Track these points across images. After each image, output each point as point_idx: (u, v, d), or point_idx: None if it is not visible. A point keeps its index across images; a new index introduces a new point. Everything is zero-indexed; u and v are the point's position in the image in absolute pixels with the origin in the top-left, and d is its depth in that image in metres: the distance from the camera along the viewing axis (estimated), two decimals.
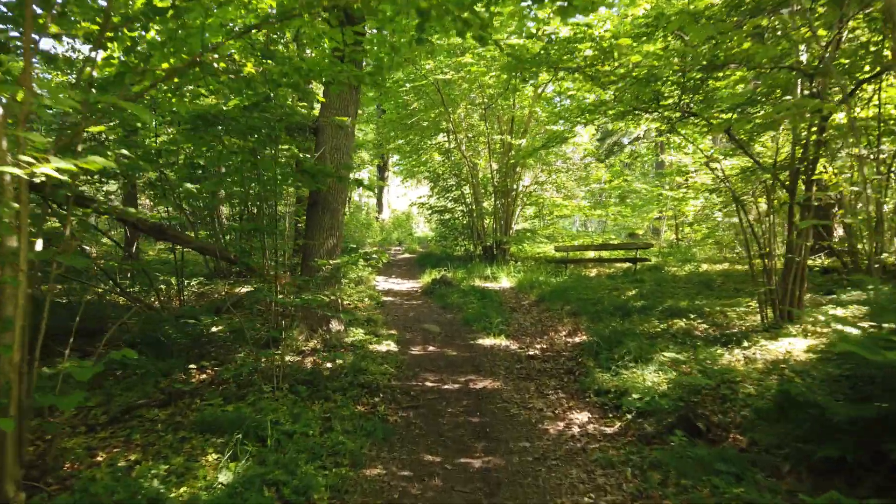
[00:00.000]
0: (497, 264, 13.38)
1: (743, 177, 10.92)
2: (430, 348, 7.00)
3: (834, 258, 9.31)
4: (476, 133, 15.74)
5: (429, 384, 5.53)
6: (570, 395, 5.04)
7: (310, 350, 6.44)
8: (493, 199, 15.63)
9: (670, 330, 6.68)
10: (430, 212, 15.92)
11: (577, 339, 7.14)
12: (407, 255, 18.40)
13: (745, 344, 5.66)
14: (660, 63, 6.66)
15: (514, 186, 14.84)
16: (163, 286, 8.71)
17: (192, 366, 5.64)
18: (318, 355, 6.36)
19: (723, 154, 15.40)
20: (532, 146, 12.63)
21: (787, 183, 6.35)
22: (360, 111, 18.83)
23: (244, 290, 9.20)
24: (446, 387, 5.45)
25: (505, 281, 12.07)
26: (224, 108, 5.82)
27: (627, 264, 12.91)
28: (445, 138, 15.44)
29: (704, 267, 12.27)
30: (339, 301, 7.02)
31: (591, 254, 14.30)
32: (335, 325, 6.83)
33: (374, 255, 10.41)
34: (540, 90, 14.19)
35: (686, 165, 15.58)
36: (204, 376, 5.56)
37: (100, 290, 7.66)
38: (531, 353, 6.73)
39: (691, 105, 7.12)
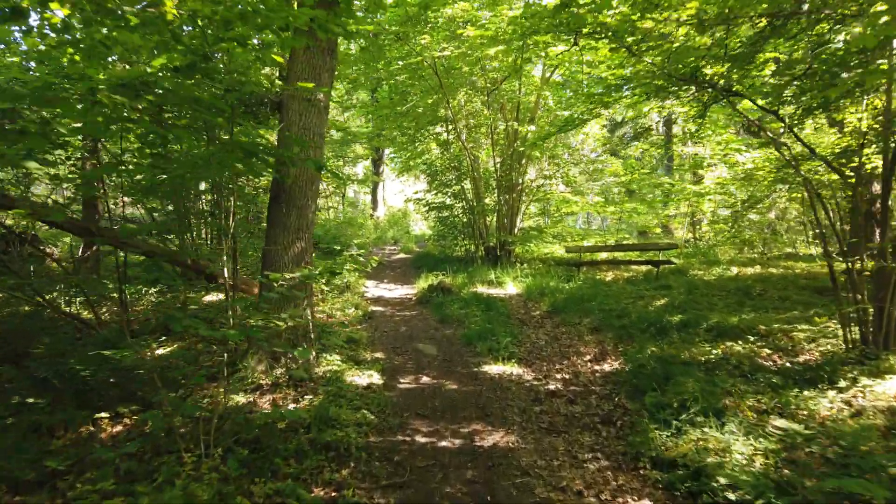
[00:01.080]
0: (501, 267, 11.97)
1: (775, 170, 9.52)
2: (424, 379, 5.59)
3: None
4: (477, 122, 14.30)
5: (420, 439, 4.12)
6: (616, 465, 3.63)
7: (269, 385, 5.04)
8: (496, 195, 14.21)
9: (726, 356, 5.28)
10: (427, 208, 14.50)
11: (607, 367, 5.74)
12: (402, 256, 16.98)
13: (841, 383, 4.26)
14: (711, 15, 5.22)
15: (520, 181, 13.41)
16: (115, 296, 7.34)
17: (103, 414, 4.23)
18: (280, 390, 4.96)
19: (745, 145, 14.02)
20: (544, 131, 11.16)
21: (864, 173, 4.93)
22: (352, 100, 17.35)
23: (212, 298, 7.80)
24: (443, 444, 4.04)
25: (511, 286, 10.66)
26: (149, 71, 4.39)
27: (646, 267, 11.51)
28: (443, 129, 14.01)
29: (734, 270, 10.86)
30: (310, 318, 5.61)
31: (603, 255, 12.90)
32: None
33: (364, 258, 9.03)
34: (549, 75, 12.77)
35: (704, 158, 14.19)
36: (120, 428, 4.16)
37: (31, 306, 6.25)
38: (551, 386, 5.33)
39: (732, 82, 5.71)
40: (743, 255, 13.28)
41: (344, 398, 4.78)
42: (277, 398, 4.83)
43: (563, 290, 9.83)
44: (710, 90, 6.05)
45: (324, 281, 8.95)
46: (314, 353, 5.53)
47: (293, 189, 5.40)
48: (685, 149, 16.66)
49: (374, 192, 23.21)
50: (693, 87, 6.31)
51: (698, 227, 17.19)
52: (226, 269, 5.83)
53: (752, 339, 5.65)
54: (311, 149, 5.50)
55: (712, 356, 5.34)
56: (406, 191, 15.30)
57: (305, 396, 4.83)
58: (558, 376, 5.63)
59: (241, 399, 4.64)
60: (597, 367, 5.77)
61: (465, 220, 14.44)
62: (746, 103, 6.05)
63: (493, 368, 5.93)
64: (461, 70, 11.96)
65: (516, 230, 13.45)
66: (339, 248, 15.24)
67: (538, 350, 6.67)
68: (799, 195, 11.28)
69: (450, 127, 13.80)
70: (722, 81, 5.78)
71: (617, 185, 13.49)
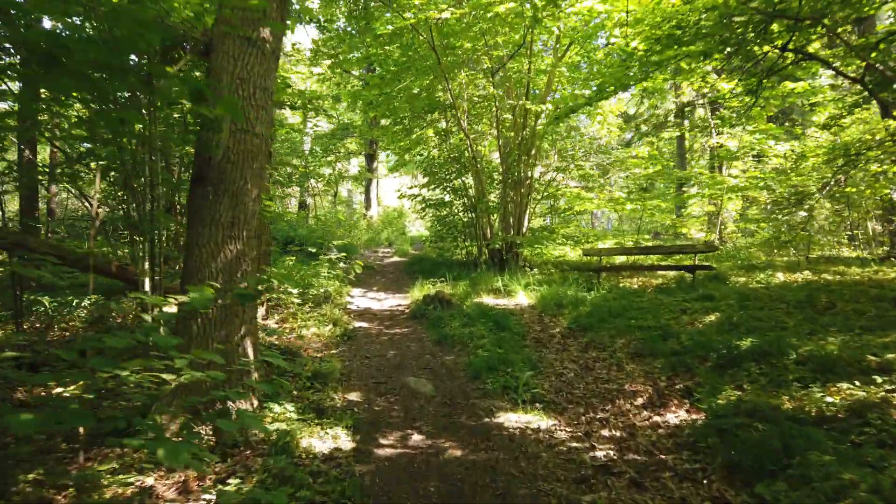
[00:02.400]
0: (509, 272, 10.33)
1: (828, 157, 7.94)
2: (415, 438, 3.93)
3: None
4: (480, 109, 12.67)
5: None
6: None
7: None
8: (501, 190, 12.57)
9: (854, 409, 3.62)
10: (423, 206, 12.85)
11: (671, 418, 4.09)
12: (396, 259, 15.31)
13: None
14: None
15: (529, 174, 11.77)
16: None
17: None
18: (197, 466, 3.29)
19: (776, 136, 12.41)
20: (565, 104, 9.48)
21: None
22: (344, 87, 15.67)
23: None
24: None
25: (522, 296, 9.01)
26: None
27: (674, 273, 9.88)
28: (442, 116, 12.36)
29: (780, 276, 9.23)
30: (250, 350, 3.94)
31: (619, 258, 11.23)
32: (242, 404, 3.75)
33: (346, 263, 7.41)
34: (566, 51, 11.13)
35: (730, 149, 12.58)
36: None
37: None
38: (599, 453, 3.67)
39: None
40: (779, 258, 11.66)
41: (292, 480, 3.12)
42: (191, 481, 3.17)
43: (584, 300, 8.19)
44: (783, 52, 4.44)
45: (295, 293, 7.29)
46: (255, 401, 3.87)
47: (224, 166, 3.73)
48: (702, 141, 15.03)
49: (367, 190, 21.54)
50: (766, 40, 4.71)
51: (723, 227, 15.59)
52: (146, 281, 4.19)
53: (877, 378, 4.00)
54: (252, 108, 3.84)
55: (831, 407, 3.68)
56: (403, 189, 13.66)
57: (233, 478, 3.17)
58: (605, 433, 3.97)
59: (126, 486, 2.97)
60: (657, 418, 4.12)
61: (465, 219, 12.81)
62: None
63: (512, 418, 4.27)
64: (462, 47, 10.34)
65: (524, 230, 11.82)
66: (315, 249, 13.60)
67: (568, 387, 5.01)
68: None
69: (449, 114, 12.17)
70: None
71: (641, 179, 11.83)
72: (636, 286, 9.96)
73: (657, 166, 11.65)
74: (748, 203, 14.35)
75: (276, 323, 6.90)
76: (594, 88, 8.59)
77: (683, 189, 16.27)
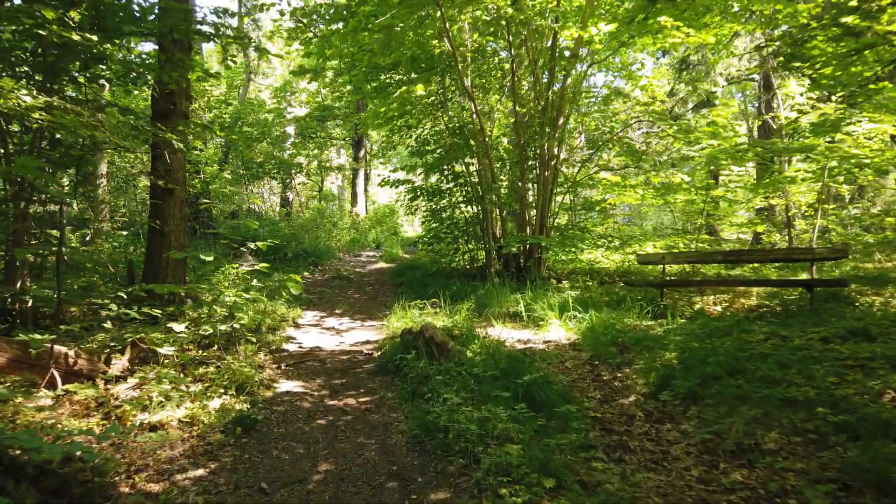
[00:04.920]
0: (535, 288, 7.20)
1: None
2: None
3: None
4: (488, 65, 9.56)
5: None
6: None
7: None
8: (516, 174, 9.46)
9: None
10: (411, 196, 9.68)
11: None
12: (382, 265, 12.18)
13: None
14: None
15: (556, 151, 8.64)
16: None
17: None
18: None
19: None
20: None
21: None
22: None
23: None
24: None
25: (556, 328, 5.87)
26: None
27: (766, 288, 6.77)
28: (439, 78, 9.22)
29: None
30: None
31: (654, 266, 8.09)
32: None
33: (283, 279, 4.38)
34: None
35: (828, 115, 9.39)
36: None
37: None
38: None
39: None
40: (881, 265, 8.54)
41: None
42: None
43: (661, 339, 5.09)
44: None
45: (180, 330, 4.18)
46: None
47: None
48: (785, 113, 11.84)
49: (353, 183, 18.39)
50: None
51: (792, 225, 12.43)
52: None
53: None
54: None
55: None
56: (387, 176, 10.55)
57: None
58: None
59: None
60: None
61: (468, 214, 9.68)
62: None
63: None
64: None
65: (548, 230, 8.68)
66: (291, 254, 10.51)
67: None
68: None
69: (445, 76, 9.04)
70: None
71: (709, 156, 8.57)
72: (719, 308, 6.83)
73: (731, 138, 8.45)
74: (825, 196, 11.18)
75: (131, 389, 3.80)
76: None
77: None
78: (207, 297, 4.52)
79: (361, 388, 4.30)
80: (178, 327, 4.26)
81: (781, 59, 11.60)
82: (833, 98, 9.44)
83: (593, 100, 10.53)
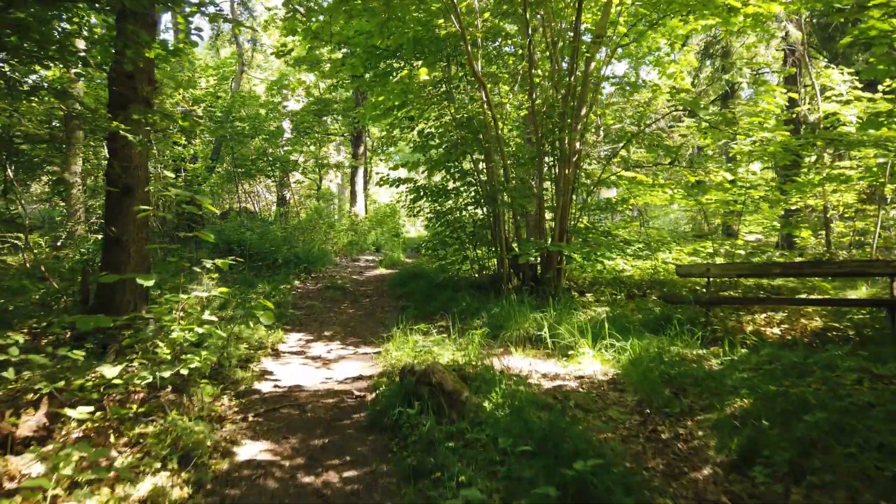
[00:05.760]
0: (557, 304, 6.15)
1: None
2: None
3: None
4: (501, 53, 8.53)
5: None
6: None
7: None
8: (532, 171, 8.45)
9: None
10: (413, 196, 8.61)
11: None
12: (381, 272, 11.15)
13: None
14: None
15: (578, 145, 7.59)
16: None
17: None
18: None
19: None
20: None
21: None
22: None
23: None
24: None
25: (588, 360, 4.82)
26: None
27: (829, 306, 5.73)
28: (445, 64, 8.17)
29: None
30: None
31: (695, 276, 7.01)
32: None
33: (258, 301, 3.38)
34: None
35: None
36: None
37: None
38: None
39: None
40: None
41: None
42: None
43: (720, 376, 4.09)
44: None
45: (111, 374, 3.16)
46: None
47: None
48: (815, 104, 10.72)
49: (352, 181, 17.33)
50: None
51: (830, 229, 11.37)
52: None
53: None
54: None
55: None
56: (386, 173, 9.51)
57: None
58: None
59: None
60: None
61: (478, 216, 8.64)
62: None
63: None
64: None
65: (568, 236, 7.63)
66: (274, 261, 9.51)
67: None
68: None
69: (453, 62, 8.00)
70: None
71: (774, 148, 7.40)
72: (777, 332, 5.78)
73: (781, 129, 7.36)
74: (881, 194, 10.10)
75: (39, 461, 2.78)
76: None
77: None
78: (149, 331, 3.50)
79: (348, 454, 3.27)
80: (111, 371, 3.24)
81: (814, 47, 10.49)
82: (880, 88, 8.38)
83: (614, 89, 9.47)
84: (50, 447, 2.99)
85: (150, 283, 3.15)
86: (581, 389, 4.29)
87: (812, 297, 6.26)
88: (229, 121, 13.57)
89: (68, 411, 2.87)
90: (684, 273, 6.29)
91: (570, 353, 5.00)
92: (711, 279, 6.31)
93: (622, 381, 4.44)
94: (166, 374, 3.17)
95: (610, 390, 4.30)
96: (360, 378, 4.58)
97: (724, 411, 3.68)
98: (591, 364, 4.75)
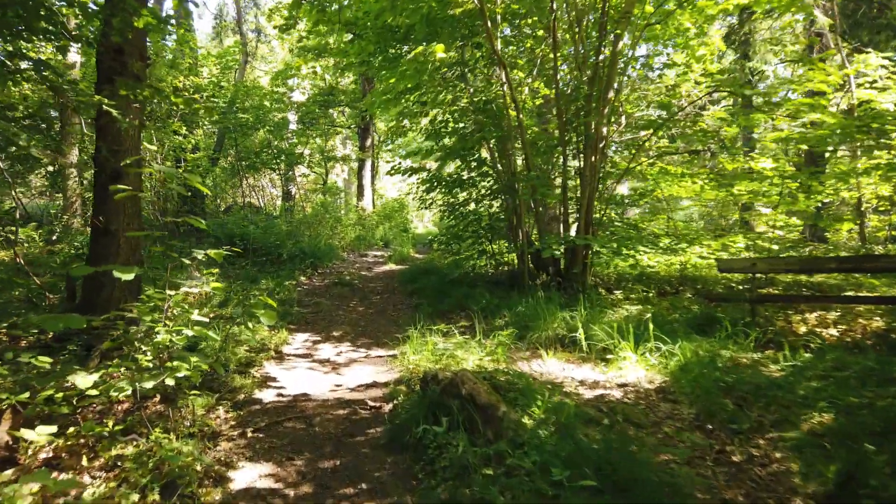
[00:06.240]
0: (588, 302, 5.61)
1: None
2: None
3: None
4: (520, 33, 7.98)
5: None
6: None
7: None
8: (545, 161, 7.92)
9: None
10: (426, 187, 8.06)
11: None
12: (391, 268, 10.64)
13: None
14: None
15: (605, 130, 7.03)
16: None
17: None
18: None
19: None
20: None
21: None
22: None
23: None
24: None
25: (631, 366, 4.27)
26: None
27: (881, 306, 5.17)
28: (459, 45, 7.62)
29: None
30: None
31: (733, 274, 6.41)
32: None
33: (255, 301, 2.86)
34: None
35: None
36: None
37: None
38: None
39: None
40: None
41: None
42: None
43: (784, 385, 3.56)
44: None
45: (85, 383, 2.65)
46: None
47: None
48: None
49: (359, 175, 16.80)
50: None
51: (865, 223, 10.79)
52: None
53: None
54: None
55: None
56: (397, 163, 8.95)
57: None
58: None
59: None
60: None
61: (495, 209, 8.09)
62: None
63: None
64: None
65: (593, 228, 7.07)
66: (282, 255, 9.03)
67: None
68: None
69: (469, 48, 7.45)
70: None
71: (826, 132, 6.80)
72: (834, 333, 5.22)
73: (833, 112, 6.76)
74: None
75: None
76: None
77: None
78: (135, 333, 2.99)
79: (364, 479, 2.75)
80: (84, 381, 2.73)
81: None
82: None
83: (636, 75, 8.89)
84: (10, 472, 2.50)
85: (129, 276, 2.64)
86: (627, 400, 3.76)
87: (874, 294, 5.69)
88: (233, 112, 13.08)
89: (25, 433, 2.36)
90: (725, 268, 5.73)
91: (609, 356, 4.46)
92: (756, 273, 5.74)
93: (672, 390, 3.90)
94: (149, 384, 2.66)
95: (660, 401, 3.77)
96: (374, 385, 4.05)
97: (801, 427, 3.15)
98: (634, 370, 4.21)
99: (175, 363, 2.72)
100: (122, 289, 4.95)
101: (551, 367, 4.43)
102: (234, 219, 10.81)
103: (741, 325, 4.99)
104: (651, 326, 4.46)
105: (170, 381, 2.71)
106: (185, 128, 10.99)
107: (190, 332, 2.81)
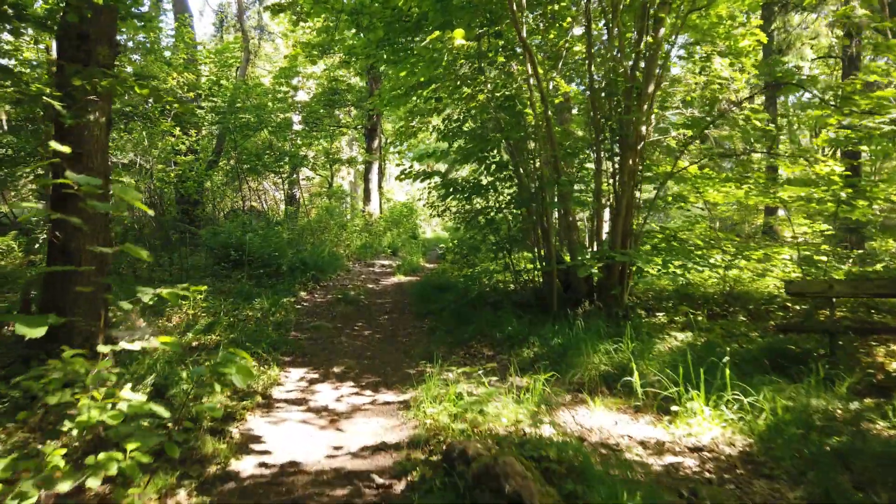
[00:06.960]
0: (636, 330, 4.74)
1: None
2: None
3: None
4: (546, 20, 7.13)
5: None
6: None
7: None
8: (576, 165, 7.09)
9: None
10: (441, 192, 7.20)
11: None
12: (399, 280, 9.82)
13: None
14: None
15: (644, 129, 6.17)
16: None
17: None
18: None
19: None
20: None
21: None
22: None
23: None
24: None
25: (705, 422, 3.41)
26: None
27: None
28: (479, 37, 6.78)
29: None
30: None
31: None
32: None
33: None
34: None
35: None
36: None
37: None
38: None
39: None
40: None
41: None
42: None
43: None
44: None
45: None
46: None
47: None
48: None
49: (366, 178, 16.00)
50: None
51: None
52: None
53: None
54: None
55: None
56: (408, 166, 8.10)
57: None
58: None
59: None
60: None
61: (513, 218, 7.22)
62: None
63: None
64: None
65: (631, 240, 6.21)
66: (282, 266, 8.24)
67: None
68: None
69: (488, 38, 6.61)
70: None
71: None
72: None
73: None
74: None
75: None
76: None
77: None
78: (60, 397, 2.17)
79: None
80: None
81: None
82: None
83: (674, 65, 8.03)
84: None
85: (37, 334, 1.84)
86: (708, 473, 2.91)
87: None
88: (233, 111, 12.32)
89: None
90: (797, 292, 4.85)
91: (671, 406, 3.60)
92: (831, 296, 4.85)
93: (762, 459, 3.04)
94: (64, 486, 1.84)
95: (751, 475, 2.91)
96: (382, 449, 3.22)
97: None
98: (708, 428, 3.35)
99: (101, 457, 1.90)
100: (84, 310, 4.16)
101: (601, 419, 3.58)
102: (231, 226, 10.03)
103: (818, 361, 4.13)
104: (727, 372, 3.58)
105: (93, 483, 1.89)
106: (178, 129, 10.23)
107: (124, 406, 1.99)
